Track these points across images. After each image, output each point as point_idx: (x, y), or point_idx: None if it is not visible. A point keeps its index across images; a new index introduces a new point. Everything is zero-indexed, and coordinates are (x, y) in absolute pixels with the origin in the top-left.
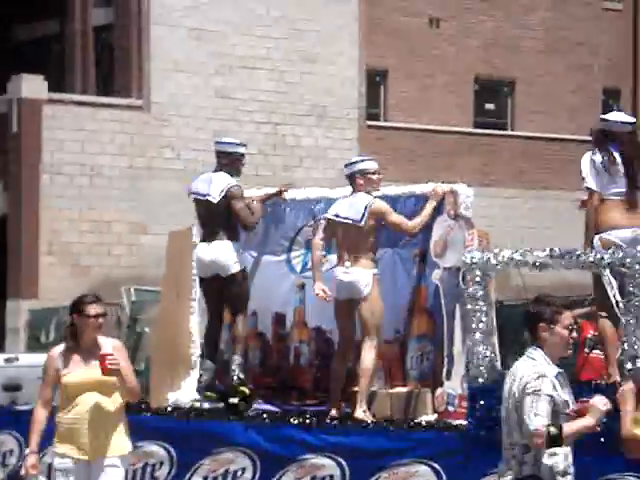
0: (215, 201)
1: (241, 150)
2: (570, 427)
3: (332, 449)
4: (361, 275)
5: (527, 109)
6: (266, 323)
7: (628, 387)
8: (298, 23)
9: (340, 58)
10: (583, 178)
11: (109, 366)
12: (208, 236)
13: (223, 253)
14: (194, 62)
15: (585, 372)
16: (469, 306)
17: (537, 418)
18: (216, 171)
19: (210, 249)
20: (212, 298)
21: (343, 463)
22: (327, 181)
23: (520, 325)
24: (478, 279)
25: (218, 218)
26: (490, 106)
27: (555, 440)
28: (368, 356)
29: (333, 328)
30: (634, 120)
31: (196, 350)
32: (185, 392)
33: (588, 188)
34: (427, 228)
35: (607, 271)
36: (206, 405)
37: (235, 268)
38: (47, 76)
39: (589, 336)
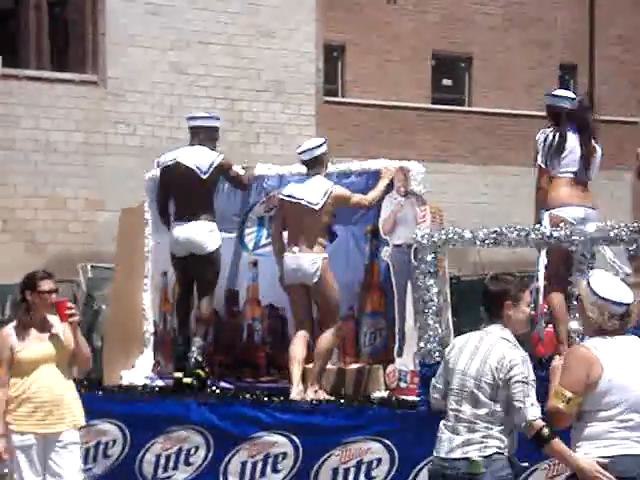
0: (205, 176)
1: (217, 123)
2: (560, 445)
3: (285, 426)
4: (311, 260)
5: (484, 85)
6: (219, 300)
7: (558, 363)
8: None
9: (297, 33)
10: (535, 155)
11: (67, 312)
12: (186, 213)
13: (201, 231)
14: (150, 37)
15: (541, 347)
16: (420, 283)
17: (533, 408)
18: (192, 145)
19: (189, 227)
20: (187, 275)
21: (296, 440)
22: (285, 157)
23: (478, 300)
24: (429, 256)
25: (200, 194)
26: (448, 82)
27: (543, 440)
28: (325, 339)
29: (286, 305)
30: (575, 96)
31: (149, 328)
32: (138, 370)
33: (539, 165)
34: (378, 205)
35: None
36: (159, 383)
37: (212, 247)
38: (1, 51)
39: (544, 312)
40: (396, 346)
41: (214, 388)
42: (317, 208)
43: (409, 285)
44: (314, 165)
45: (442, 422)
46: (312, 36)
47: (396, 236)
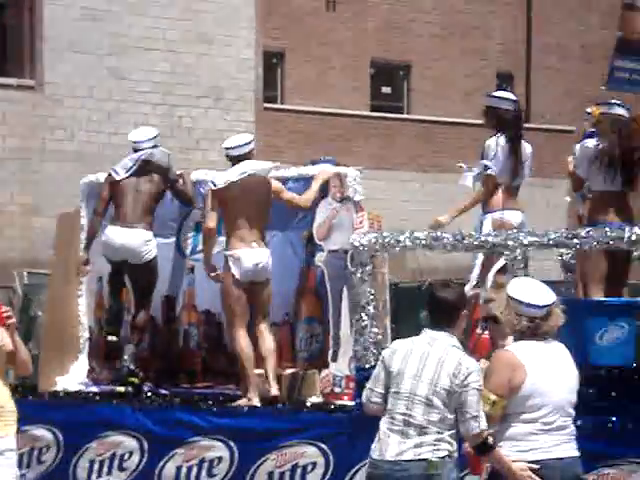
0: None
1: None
2: (500, 453)
3: (220, 431)
4: (267, 256)
5: (423, 93)
6: (156, 306)
7: (485, 365)
8: (194, 4)
9: (237, 40)
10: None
11: (3, 314)
12: (126, 219)
13: (139, 239)
14: (88, 42)
15: (477, 353)
16: (356, 288)
17: (485, 417)
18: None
19: (126, 233)
20: (120, 282)
21: (232, 445)
22: (224, 164)
23: (416, 306)
24: (365, 261)
25: (144, 201)
26: (386, 90)
27: (488, 448)
28: (269, 337)
29: (222, 311)
30: (516, 98)
31: (84, 333)
32: (73, 376)
33: (488, 170)
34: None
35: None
36: (94, 389)
37: (151, 255)
38: None
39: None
40: (331, 351)
41: (149, 393)
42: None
43: (345, 291)
44: (243, 161)
45: (385, 426)
46: (251, 43)
47: (331, 242)
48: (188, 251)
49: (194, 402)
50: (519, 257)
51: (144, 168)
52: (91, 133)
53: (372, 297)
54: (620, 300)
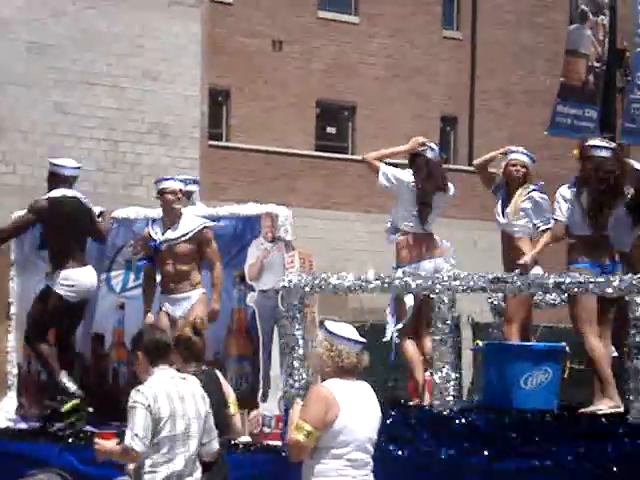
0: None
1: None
2: None
3: None
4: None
5: (367, 134)
6: (85, 343)
7: (298, 404)
8: (140, 40)
9: (182, 77)
10: None
11: None
12: (78, 258)
13: (94, 277)
14: (33, 76)
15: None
16: (286, 328)
17: None
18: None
19: (89, 273)
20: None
21: None
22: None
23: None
24: (295, 301)
25: (84, 239)
26: (332, 130)
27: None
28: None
29: None
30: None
31: (13, 370)
32: (1, 412)
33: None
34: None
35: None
36: (23, 426)
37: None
38: None
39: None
40: (261, 391)
41: (78, 431)
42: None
43: (275, 331)
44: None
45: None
46: (197, 80)
47: (262, 282)
48: (118, 288)
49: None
50: (446, 300)
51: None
52: (34, 167)
53: (301, 337)
54: (545, 345)
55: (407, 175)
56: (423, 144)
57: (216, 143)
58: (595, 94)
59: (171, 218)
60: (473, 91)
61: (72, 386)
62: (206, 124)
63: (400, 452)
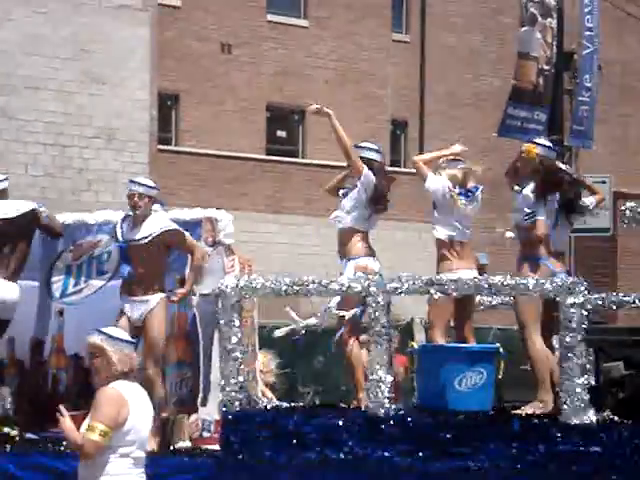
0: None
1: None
2: None
3: None
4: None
5: (318, 137)
6: (24, 349)
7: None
8: (87, 44)
9: (131, 81)
10: None
11: None
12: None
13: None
14: None
15: None
16: (223, 331)
17: None
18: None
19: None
20: None
21: None
22: (117, 205)
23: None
24: (232, 305)
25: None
26: (282, 133)
27: None
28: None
29: None
30: (379, 148)
31: None
32: None
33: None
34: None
35: None
36: None
37: None
38: None
39: None
40: (201, 395)
41: (16, 438)
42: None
43: (216, 334)
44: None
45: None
46: (146, 84)
47: (204, 285)
48: (58, 294)
49: (59, 447)
50: (381, 302)
51: None
52: None
53: (237, 340)
54: (479, 346)
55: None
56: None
57: (165, 147)
58: (544, 96)
59: (134, 220)
60: (423, 94)
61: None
62: (155, 128)
63: (335, 455)
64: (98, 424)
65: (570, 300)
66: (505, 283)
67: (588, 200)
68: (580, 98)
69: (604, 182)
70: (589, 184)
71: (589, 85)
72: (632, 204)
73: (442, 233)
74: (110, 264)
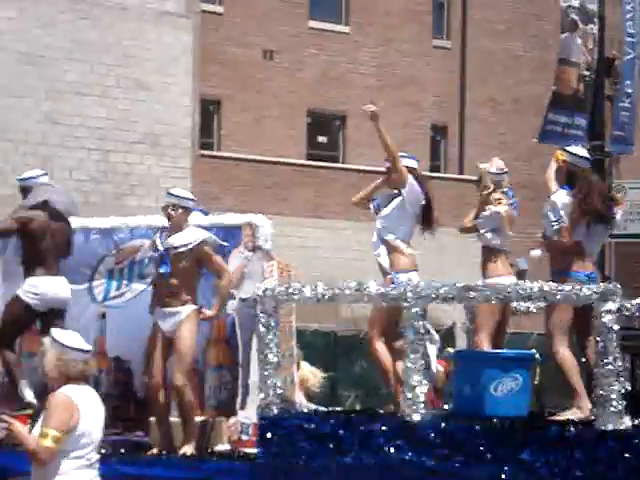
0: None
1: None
2: None
3: (126, 478)
4: None
5: (358, 143)
6: None
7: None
8: (131, 50)
9: (174, 87)
10: None
11: None
12: (52, 268)
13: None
14: (23, 86)
15: None
16: (261, 337)
17: None
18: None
19: (58, 282)
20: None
21: None
22: (159, 209)
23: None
24: (270, 310)
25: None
26: (322, 139)
27: None
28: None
29: (132, 357)
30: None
31: None
32: None
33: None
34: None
35: None
36: None
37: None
38: None
39: None
40: (239, 399)
41: None
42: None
43: (254, 338)
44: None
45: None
46: (188, 90)
47: (243, 290)
48: (100, 297)
49: (100, 450)
50: (418, 309)
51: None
52: None
53: (276, 346)
54: (514, 352)
55: None
56: None
57: (207, 152)
58: (584, 102)
59: (170, 230)
60: (463, 100)
61: (28, 395)
62: (197, 134)
63: (371, 459)
64: (50, 430)
65: (605, 307)
66: (543, 289)
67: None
68: (621, 104)
69: None
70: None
71: (630, 91)
72: None
73: (486, 239)
74: (150, 268)
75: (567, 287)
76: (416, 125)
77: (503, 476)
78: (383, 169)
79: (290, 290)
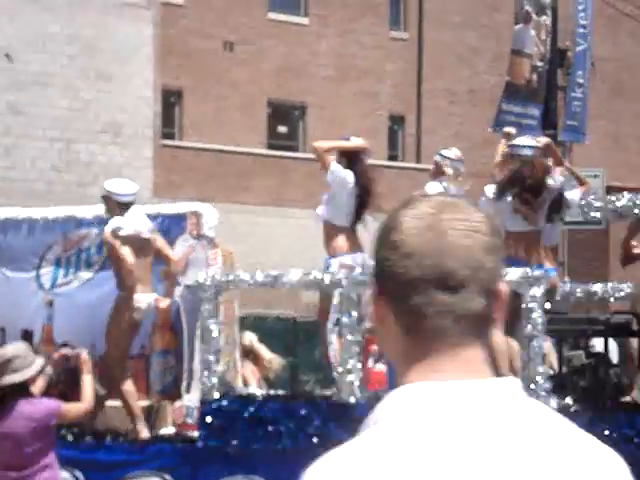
0: None
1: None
2: None
3: (68, 462)
4: None
5: (318, 132)
6: (14, 339)
7: None
8: (93, 41)
9: (136, 77)
10: None
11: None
12: None
13: None
14: None
15: (369, 384)
16: (203, 322)
17: None
18: None
19: None
20: None
21: (79, 476)
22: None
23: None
24: (210, 296)
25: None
26: (283, 129)
27: None
28: None
29: (79, 345)
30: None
31: None
32: None
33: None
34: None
35: None
36: None
37: None
38: None
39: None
40: (184, 383)
41: None
42: None
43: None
44: None
45: None
46: (150, 81)
47: (188, 277)
48: (48, 285)
49: None
50: (353, 296)
51: None
52: None
53: (217, 331)
54: None
55: None
56: None
57: (169, 142)
58: (538, 92)
59: None
60: (420, 90)
61: None
62: (159, 124)
63: (307, 442)
64: None
65: (532, 292)
66: None
67: (574, 194)
68: (573, 94)
69: (596, 176)
70: (577, 174)
71: (582, 81)
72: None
73: None
74: (97, 257)
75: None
76: (374, 115)
77: None
78: None
79: (229, 277)
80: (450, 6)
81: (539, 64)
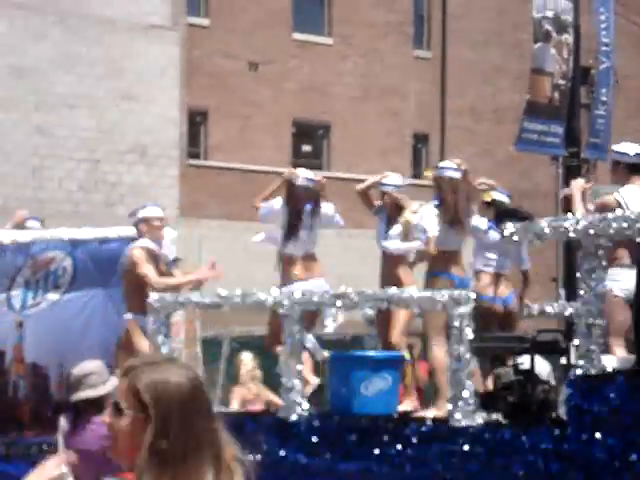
0: None
1: None
2: None
3: None
4: None
5: (342, 151)
6: None
7: None
8: (119, 62)
9: (161, 98)
10: None
11: None
12: None
13: None
14: (13, 98)
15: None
16: (154, 343)
17: None
18: None
19: None
20: None
21: None
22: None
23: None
24: (163, 319)
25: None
26: (307, 148)
27: None
28: None
29: (48, 364)
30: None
31: None
32: None
33: None
34: None
35: None
36: None
37: None
38: None
39: None
40: None
41: None
42: None
43: None
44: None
45: None
46: (176, 101)
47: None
48: (18, 307)
49: (9, 453)
50: (295, 316)
51: None
52: (16, 188)
53: (166, 350)
54: (384, 354)
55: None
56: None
57: (195, 162)
58: (560, 110)
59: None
60: (444, 109)
61: None
62: (185, 144)
63: (252, 457)
64: None
65: (458, 310)
66: (392, 296)
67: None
68: (597, 112)
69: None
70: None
71: (605, 99)
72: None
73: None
74: (64, 279)
75: (415, 292)
76: (398, 134)
77: (370, 471)
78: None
79: (179, 299)
80: (473, 25)
81: (561, 82)
